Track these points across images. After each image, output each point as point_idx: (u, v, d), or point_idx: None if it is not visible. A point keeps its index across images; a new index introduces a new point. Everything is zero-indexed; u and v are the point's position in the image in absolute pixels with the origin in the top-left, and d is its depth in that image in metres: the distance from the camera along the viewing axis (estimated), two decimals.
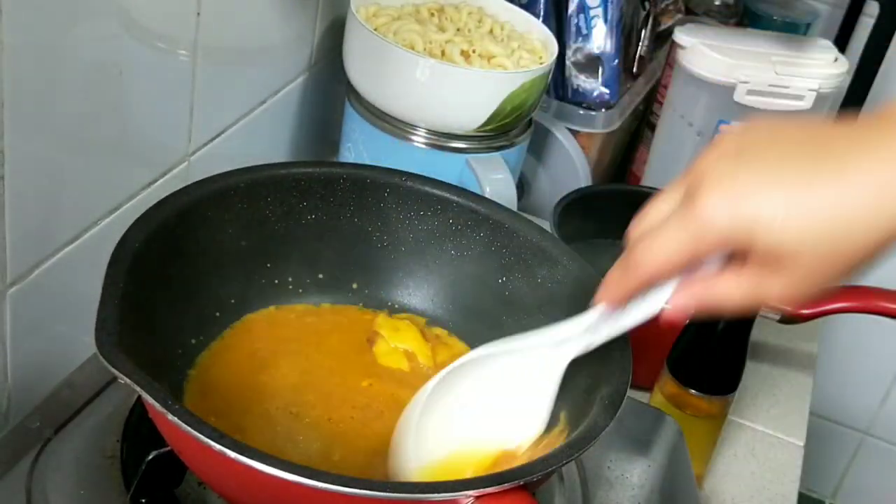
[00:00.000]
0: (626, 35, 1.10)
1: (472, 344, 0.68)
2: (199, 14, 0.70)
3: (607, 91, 1.05)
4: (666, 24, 1.21)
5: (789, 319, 0.86)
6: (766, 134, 0.47)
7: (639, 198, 1.03)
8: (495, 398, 0.58)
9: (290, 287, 0.68)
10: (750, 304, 0.47)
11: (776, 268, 0.45)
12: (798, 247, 0.44)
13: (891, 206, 0.43)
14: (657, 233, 0.47)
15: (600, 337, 0.54)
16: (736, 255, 0.47)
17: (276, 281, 0.67)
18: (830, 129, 0.46)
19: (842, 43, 1.41)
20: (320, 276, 0.69)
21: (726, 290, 0.47)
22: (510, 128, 0.87)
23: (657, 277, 0.49)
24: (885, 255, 0.45)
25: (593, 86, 1.05)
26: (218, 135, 0.79)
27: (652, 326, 0.80)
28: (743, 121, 0.99)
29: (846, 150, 0.44)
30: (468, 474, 0.54)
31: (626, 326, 0.53)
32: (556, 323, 0.57)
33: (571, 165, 1.03)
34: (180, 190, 0.61)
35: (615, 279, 0.51)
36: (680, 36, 1.02)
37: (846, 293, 0.86)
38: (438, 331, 0.69)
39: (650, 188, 0.97)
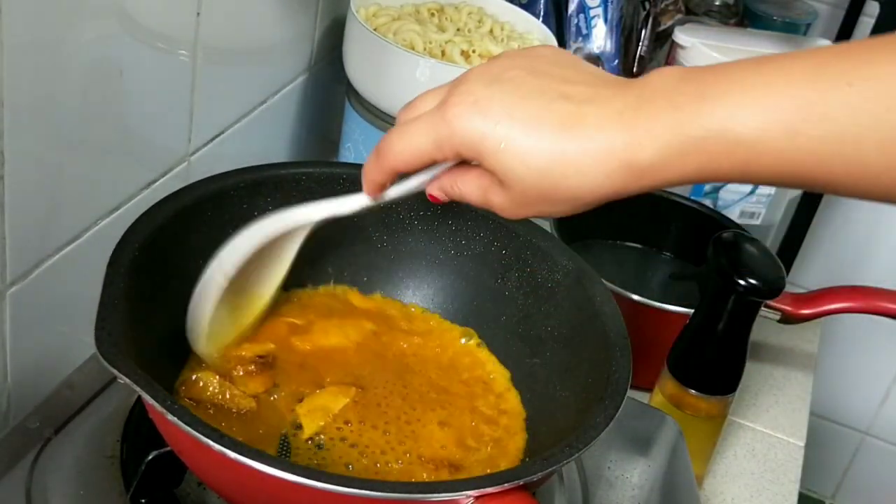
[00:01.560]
0: (626, 35, 1.10)
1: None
2: (199, 14, 0.70)
3: None
4: (666, 24, 1.21)
5: (789, 319, 0.86)
6: (528, 65, 0.51)
7: (638, 198, 1.03)
8: (262, 266, 0.62)
9: (290, 287, 0.68)
10: (482, 204, 0.52)
11: (500, 185, 0.50)
12: (511, 175, 0.49)
13: (610, 169, 0.47)
14: (409, 125, 0.52)
15: (349, 207, 0.58)
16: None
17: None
18: (584, 88, 0.49)
19: None
20: (320, 275, 0.69)
21: (466, 187, 0.53)
22: None
23: (403, 167, 0.53)
24: (600, 204, 0.49)
25: None
26: (218, 135, 0.79)
27: (652, 326, 0.80)
28: None
29: (588, 105, 0.48)
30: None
31: (393, 198, 0.56)
32: (324, 200, 0.58)
33: None
34: (180, 190, 0.61)
35: (370, 165, 0.54)
36: (680, 36, 1.02)
37: (846, 293, 0.86)
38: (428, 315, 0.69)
39: None
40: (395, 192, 0.55)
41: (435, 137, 0.50)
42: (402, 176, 0.54)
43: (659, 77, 0.47)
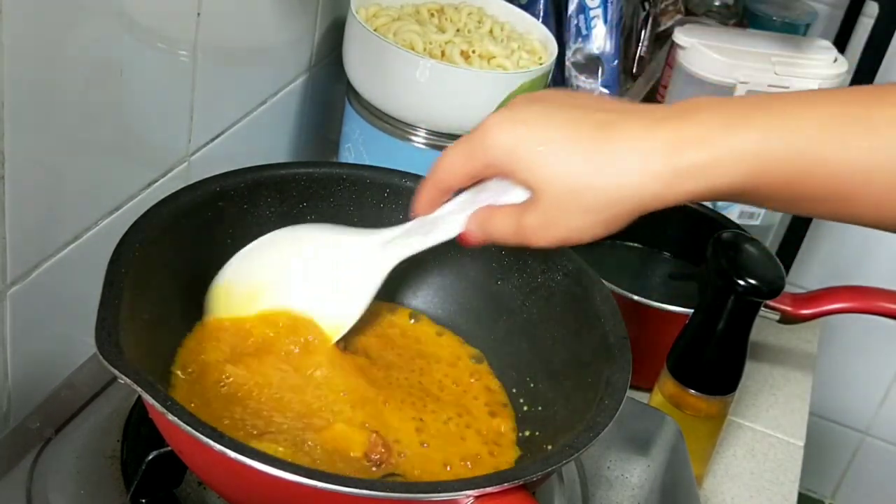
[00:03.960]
0: (625, 35, 1.10)
1: (471, 343, 0.68)
2: (199, 14, 0.70)
3: (607, 91, 1.05)
4: (666, 24, 1.21)
5: (789, 319, 0.86)
6: (566, 93, 0.54)
7: None
8: (317, 274, 0.63)
9: None
10: (514, 239, 0.53)
11: (534, 204, 0.50)
12: (547, 178, 0.49)
13: (650, 168, 0.47)
14: (452, 144, 0.54)
15: (412, 247, 0.60)
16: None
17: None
18: (620, 106, 0.51)
19: (841, 43, 1.41)
20: None
21: (498, 222, 0.53)
22: None
23: (441, 180, 0.55)
24: (633, 218, 0.49)
25: (593, 86, 1.05)
26: (218, 135, 0.79)
27: (652, 327, 0.80)
28: None
29: (626, 114, 0.49)
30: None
31: (433, 241, 0.59)
32: (374, 229, 0.62)
33: None
34: (180, 190, 0.61)
35: (423, 188, 0.57)
36: (680, 36, 1.02)
37: (846, 293, 0.86)
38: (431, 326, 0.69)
39: None
40: (439, 233, 0.58)
41: (470, 148, 0.52)
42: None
43: (696, 99, 0.48)
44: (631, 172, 0.47)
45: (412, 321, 0.69)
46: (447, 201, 0.57)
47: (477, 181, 0.55)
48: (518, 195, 0.53)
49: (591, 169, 0.48)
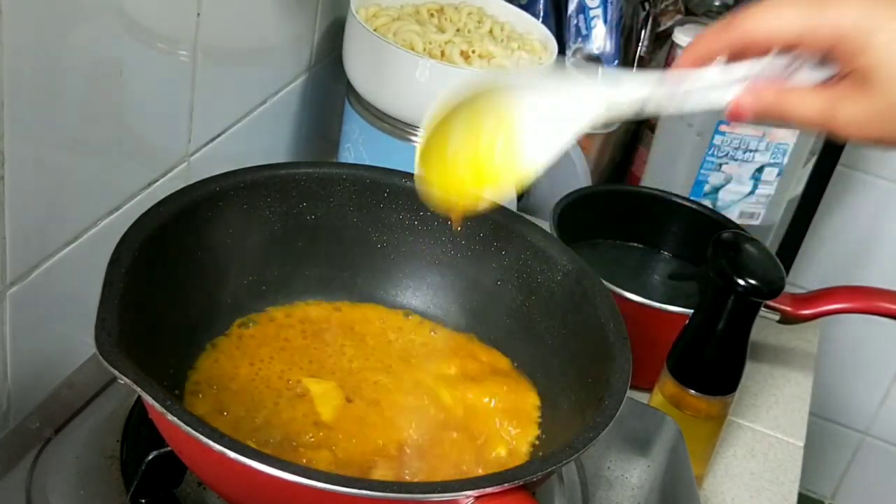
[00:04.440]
0: (625, 35, 1.10)
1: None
2: (199, 14, 0.70)
3: None
4: (665, 24, 1.21)
5: (789, 319, 0.86)
6: None
7: (639, 198, 1.04)
8: (528, 119, 0.55)
9: (290, 287, 0.68)
10: (818, 122, 0.47)
11: (863, 91, 0.45)
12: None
13: None
14: (776, 3, 0.47)
15: (651, 107, 0.51)
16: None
17: (276, 281, 0.67)
18: None
19: None
20: (320, 276, 0.69)
21: (801, 102, 0.47)
22: None
23: (754, 40, 0.47)
24: None
25: None
26: (218, 135, 0.79)
27: (652, 326, 0.80)
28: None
29: None
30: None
31: (683, 106, 0.50)
32: (617, 72, 0.55)
33: (571, 165, 1.03)
34: (180, 190, 0.61)
35: (709, 35, 0.49)
36: (680, 36, 1.02)
37: (846, 293, 0.86)
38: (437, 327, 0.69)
39: (650, 188, 0.98)
40: (699, 98, 0.48)
41: (810, 18, 0.46)
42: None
43: None
44: None
45: (409, 320, 0.69)
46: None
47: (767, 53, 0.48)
48: (809, 76, 0.48)
49: None
